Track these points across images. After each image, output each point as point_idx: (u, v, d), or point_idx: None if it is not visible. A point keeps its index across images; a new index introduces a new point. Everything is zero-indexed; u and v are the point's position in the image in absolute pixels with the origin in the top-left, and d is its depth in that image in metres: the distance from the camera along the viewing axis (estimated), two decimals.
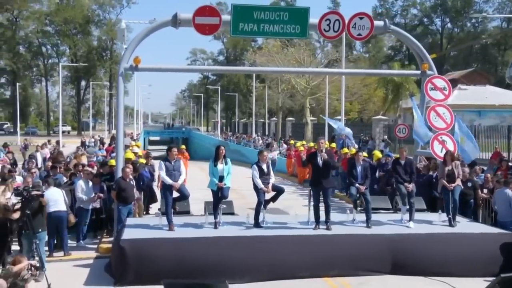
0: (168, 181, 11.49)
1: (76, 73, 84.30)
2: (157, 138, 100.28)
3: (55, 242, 12.41)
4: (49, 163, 16.92)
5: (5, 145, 28.36)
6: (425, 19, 77.40)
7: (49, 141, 30.28)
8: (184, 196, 11.98)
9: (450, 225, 12.02)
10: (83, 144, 36.10)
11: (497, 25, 79.02)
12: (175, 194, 11.90)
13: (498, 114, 46.65)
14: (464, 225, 12.26)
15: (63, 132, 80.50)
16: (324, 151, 11.90)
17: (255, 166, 11.96)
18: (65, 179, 14.55)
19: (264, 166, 11.95)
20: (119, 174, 13.09)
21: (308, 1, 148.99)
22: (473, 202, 13.86)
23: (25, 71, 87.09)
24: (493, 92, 50.62)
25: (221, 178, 11.63)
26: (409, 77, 40.22)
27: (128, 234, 11.02)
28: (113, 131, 78.90)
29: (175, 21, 13.91)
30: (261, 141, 39.98)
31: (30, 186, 10.88)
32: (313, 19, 14.75)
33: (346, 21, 14.32)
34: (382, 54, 77.46)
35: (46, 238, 11.41)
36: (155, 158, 22.19)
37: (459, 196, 13.61)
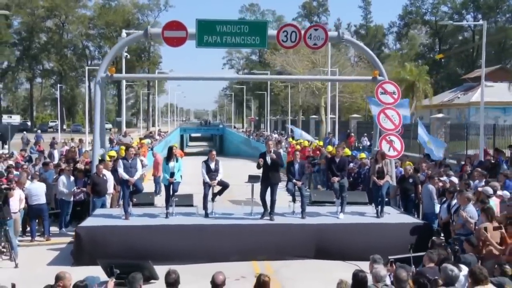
0: (125, 176, 13.33)
1: (116, 73, 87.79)
2: (199, 134, 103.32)
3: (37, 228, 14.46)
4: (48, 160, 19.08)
5: (36, 143, 31.15)
6: (456, 16, 76.87)
7: (72, 139, 32.58)
8: (138, 190, 13.81)
9: (377, 216, 13.37)
10: (111, 141, 38.50)
11: None
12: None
13: None
14: (391, 217, 13.60)
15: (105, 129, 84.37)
16: (272, 151, 13.42)
17: (203, 163, 13.64)
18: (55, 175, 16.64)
19: (212, 164, 13.59)
20: (94, 170, 15.07)
21: (342, 0, 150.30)
22: (414, 197, 15.06)
23: (71, 73, 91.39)
24: None
25: (172, 174, 13.35)
26: (422, 76, 40.84)
27: (88, 222, 12.96)
28: (152, 128, 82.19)
29: (147, 35, 15.79)
30: (274, 139, 41.34)
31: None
32: (272, 31, 16.40)
33: (302, 33, 15.82)
34: (414, 52, 77.29)
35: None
36: (195, 154, 23.65)
37: (406, 192, 15.05)
